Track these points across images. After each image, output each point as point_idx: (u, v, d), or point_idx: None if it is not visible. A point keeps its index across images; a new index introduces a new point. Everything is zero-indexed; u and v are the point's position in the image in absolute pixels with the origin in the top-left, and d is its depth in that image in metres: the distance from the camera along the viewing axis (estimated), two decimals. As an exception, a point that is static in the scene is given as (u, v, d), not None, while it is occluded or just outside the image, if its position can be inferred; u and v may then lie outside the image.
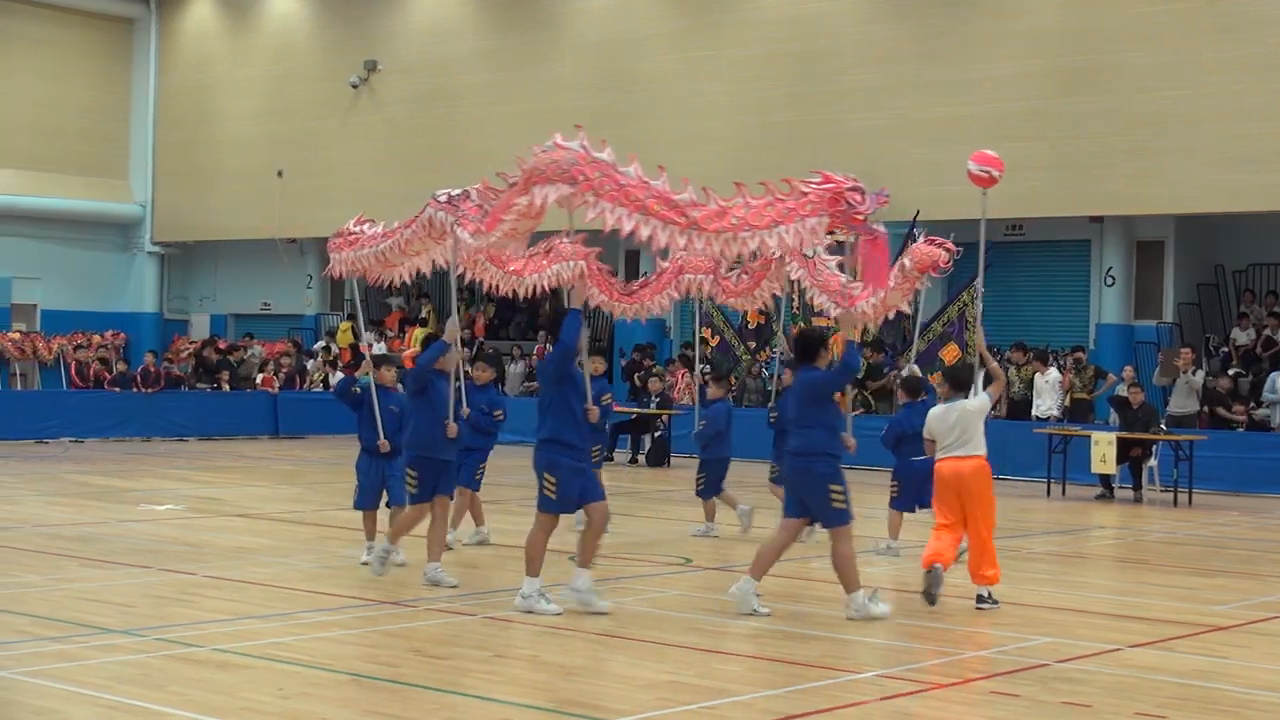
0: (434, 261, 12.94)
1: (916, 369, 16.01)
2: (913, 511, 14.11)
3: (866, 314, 14.92)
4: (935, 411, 11.68)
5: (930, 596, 11.12)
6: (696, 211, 10.41)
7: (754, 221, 10.39)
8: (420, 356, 12.18)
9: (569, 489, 10.81)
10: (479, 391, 13.80)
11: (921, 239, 14.80)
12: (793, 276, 15.80)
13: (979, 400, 11.62)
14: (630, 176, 10.53)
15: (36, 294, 35.27)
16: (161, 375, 29.45)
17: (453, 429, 12.04)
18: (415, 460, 11.99)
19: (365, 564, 12.66)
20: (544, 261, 13.60)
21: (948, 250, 14.40)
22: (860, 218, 10.49)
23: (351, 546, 14.20)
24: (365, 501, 13.07)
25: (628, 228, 10.44)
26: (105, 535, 14.76)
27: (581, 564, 10.92)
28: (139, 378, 29.07)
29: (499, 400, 14.50)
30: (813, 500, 10.83)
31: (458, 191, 11.86)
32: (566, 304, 11.82)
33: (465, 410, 13.14)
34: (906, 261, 14.39)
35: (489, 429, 13.93)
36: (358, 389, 13.02)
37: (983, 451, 11.47)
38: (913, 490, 13.88)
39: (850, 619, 10.72)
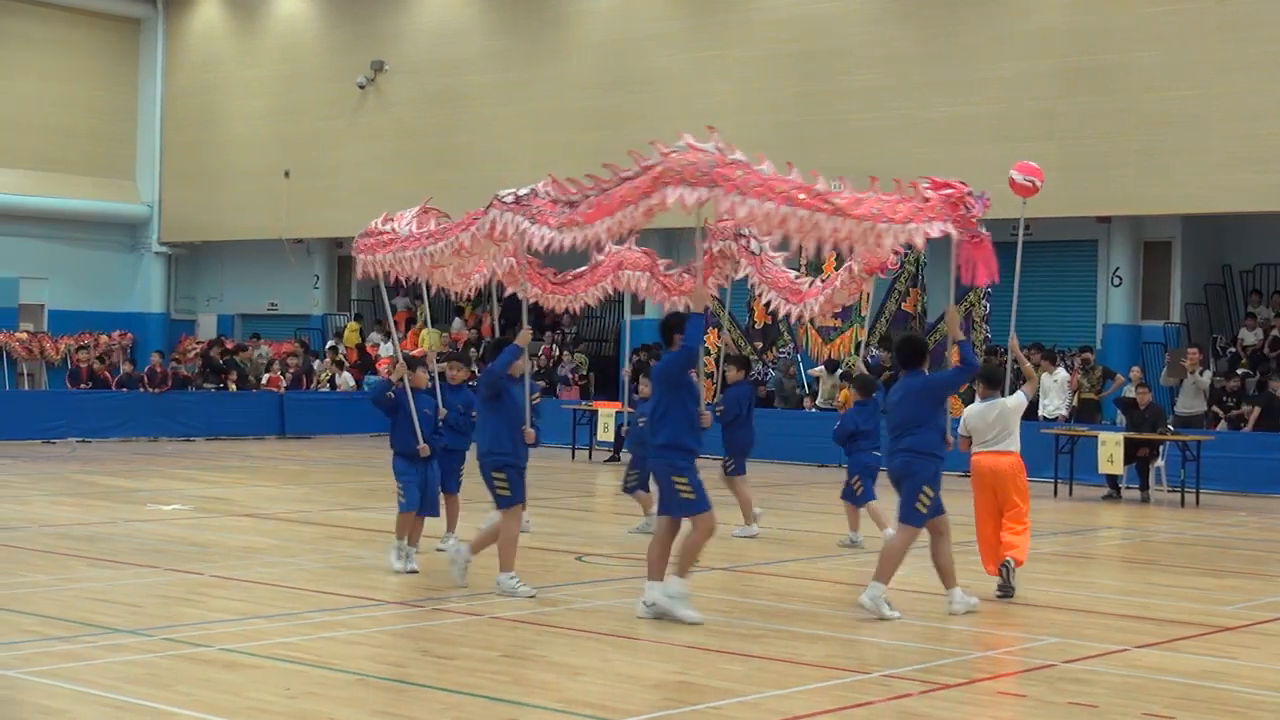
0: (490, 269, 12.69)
1: (864, 368, 16.36)
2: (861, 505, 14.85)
3: (815, 311, 15.35)
4: (975, 409, 12.06)
5: (1008, 590, 11.80)
6: (839, 199, 10.56)
7: (889, 214, 10.65)
8: (495, 362, 11.75)
9: (702, 491, 10.71)
10: (454, 391, 13.58)
11: None
12: (738, 275, 15.86)
13: (1017, 398, 12.01)
14: (767, 172, 10.59)
15: (44, 294, 35.30)
16: (168, 375, 29.48)
17: (530, 434, 11.82)
18: (502, 465, 11.52)
19: (411, 572, 12.39)
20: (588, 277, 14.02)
21: (895, 252, 14.65)
22: (974, 221, 11.04)
23: (359, 546, 14.21)
24: (413, 503, 12.67)
25: (776, 220, 10.49)
26: (112, 535, 14.77)
27: (679, 572, 10.73)
28: (145, 378, 29.10)
29: (474, 400, 14.17)
30: (903, 494, 11.11)
31: (524, 191, 11.58)
32: (689, 308, 11.57)
33: (444, 411, 13.22)
34: (854, 265, 14.58)
35: (467, 429, 13.65)
36: (392, 393, 12.72)
37: (1018, 448, 11.98)
38: (872, 485, 14.62)
39: (953, 613, 11.14)
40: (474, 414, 13.53)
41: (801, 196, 10.45)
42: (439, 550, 13.40)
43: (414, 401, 12.67)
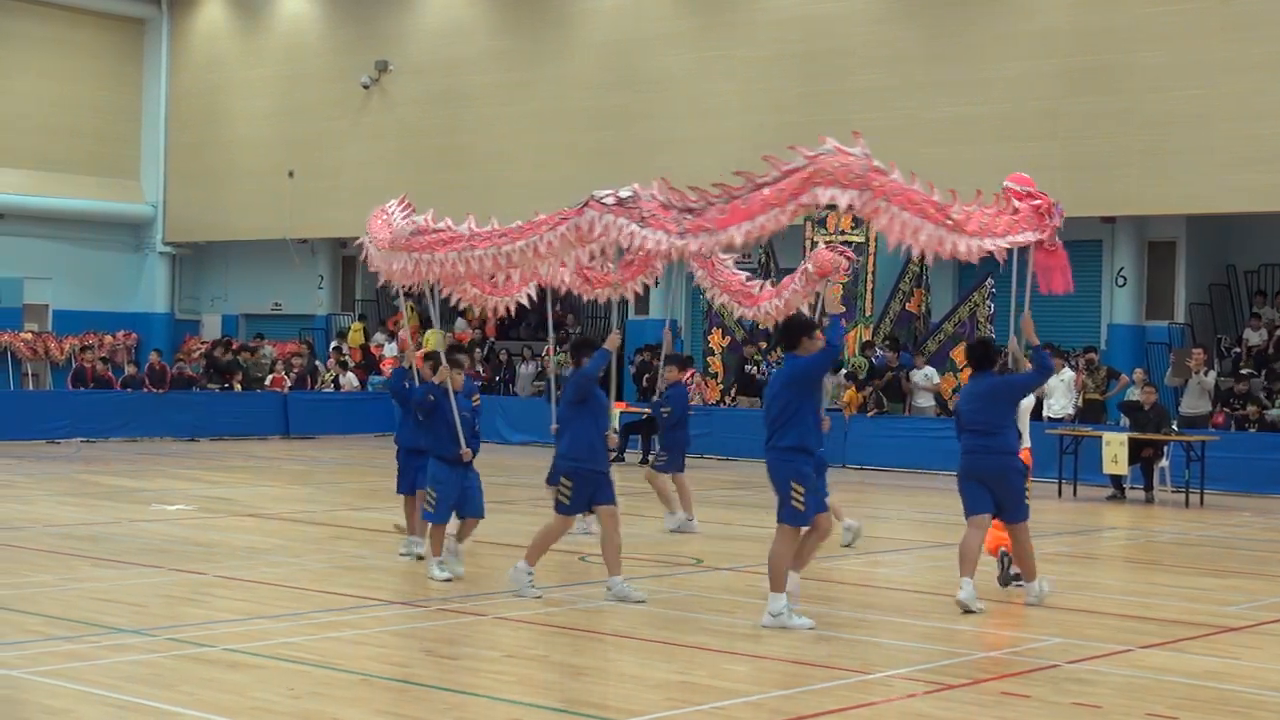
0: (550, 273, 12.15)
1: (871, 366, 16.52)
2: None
3: (770, 314, 15.34)
4: None
5: (1007, 579, 12.19)
6: (956, 214, 10.77)
7: (992, 229, 10.90)
8: (587, 365, 11.64)
9: (812, 499, 10.70)
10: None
11: (822, 244, 15.29)
12: (696, 278, 15.89)
13: (1028, 400, 12.44)
14: (900, 180, 10.74)
15: (48, 294, 35.32)
16: (168, 373, 29.50)
17: (614, 439, 11.76)
18: (572, 471, 11.43)
19: (445, 580, 12.10)
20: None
21: (847, 257, 15.06)
22: (1054, 230, 11.42)
23: (363, 546, 14.21)
24: (441, 515, 12.30)
25: (910, 230, 10.62)
26: (116, 535, 14.78)
27: (794, 567, 10.80)
28: (146, 377, 29.13)
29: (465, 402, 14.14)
30: (1009, 497, 11.40)
31: (626, 193, 11.25)
32: (823, 312, 11.47)
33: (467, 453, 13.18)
34: (809, 266, 14.70)
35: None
36: (432, 395, 12.40)
37: (1029, 445, 12.40)
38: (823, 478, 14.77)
39: (1030, 605, 11.44)
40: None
41: (931, 210, 10.69)
42: (401, 555, 13.37)
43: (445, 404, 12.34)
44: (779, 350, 26.78)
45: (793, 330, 10.96)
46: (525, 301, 14.78)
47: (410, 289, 13.58)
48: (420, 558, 12.97)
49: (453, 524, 12.56)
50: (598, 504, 11.51)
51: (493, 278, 13.70)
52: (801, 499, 10.52)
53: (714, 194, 10.93)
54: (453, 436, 12.28)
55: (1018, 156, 24.82)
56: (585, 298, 15.83)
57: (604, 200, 11.25)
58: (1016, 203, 11.24)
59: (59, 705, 7.89)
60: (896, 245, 10.82)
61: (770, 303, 15.24)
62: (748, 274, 15.94)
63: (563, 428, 11.64)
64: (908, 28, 26.61)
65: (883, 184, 10.56)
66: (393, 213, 13.12)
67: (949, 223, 10.67)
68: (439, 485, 12.27)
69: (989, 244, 10.86)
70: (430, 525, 12.38)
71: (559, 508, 11.51)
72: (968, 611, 11.04)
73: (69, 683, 8.35)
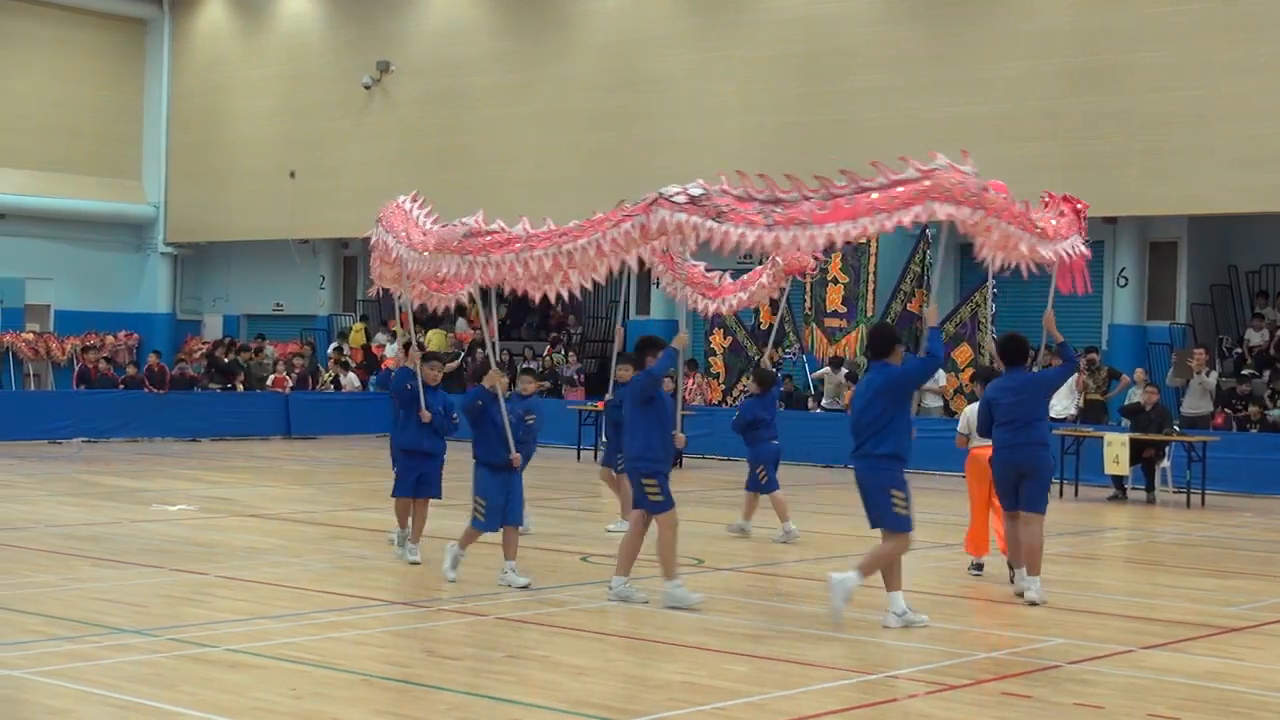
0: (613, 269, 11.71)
1: (768, 363, 16.92)
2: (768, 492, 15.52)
3: (733, 307, 15.83)
4: (975, 408, 12.70)
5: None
6: (1041, 220, 11.33)
7: (1063, 232, 11.51)
8: (655, 365, 11.50)
9: (910, 505, 10.83)
10: (432, 394, 13.32)
11: None
12: (655, 273, 15.88)
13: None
14: (1006, 197, 11.08)
15: (50, 294, 35.34)
16: (167, 374, 29.50)
17: (681, 439, 11.73)
18: (653, 471, 11.24)
19: (523, 586, 11.88)
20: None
21: (816, 259, 15.20)
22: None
23: (363, 546, 14.21)
24: (493, 523, 12.03)
25: (1014, 243, 11.02)
26: (118, 535, 14.78)
27: (869, 573, 10.89)
28: (145, 378, 29.14)
29: (453, 403, 13.77)
30: (1036, 488, 11.72)
31: (697, 190, 11.04)
32: (925, 324, 11.58)
33: (426, 414, 13.04)
34: (779, 261, 14.82)
35: (447, 430, 13.56)
36: (481, 401, 12.14)
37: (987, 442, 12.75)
38: (775, 473, 15.59)
39: (1034, 603, 11.58)
40: (454, 416, 13.43)
41: (1025, 222, 11.12)
42: (403, 555, 13.32)
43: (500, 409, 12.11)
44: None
45: (885, 339, 11.10)
46: (466, 300, 14.38)
47: (397, 294, 13.63)
48: (415, 563, 12.95)
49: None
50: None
51: (443, 279, 13.22)
52: (904, 504, 10.68)
53: (810, 188, 10.88)
54: (502, 441, 11.99)
55: (1019, 157, 24.89)
56: (691, 308, 15.61)
57: (674, 198, 11.03)
58: (1063, 206, 11.75)
59: (60, 705, 7.89)
60: (1002, 262, 11.23)
61: (735, 296, 15.47)
62: (707, 266, 15.95)
63: (630, 429, 11.49)
64: (908, 28, 26.61)
65: (993, 200, 10.82)
66: (414, 214, 12.92)
67: (1037, 231, 11.14)
68: (487, 495, 11.99)
69: (1062, 248, 11.38)
70: (470, 528, 12.12)
71: (655, 507, 11.26)
72: (1036, 603, 11.50)
73: (70, 683, 8.35)
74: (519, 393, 13.22)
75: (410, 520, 13.27)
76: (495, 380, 12.17)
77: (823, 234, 10.72)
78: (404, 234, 12.70)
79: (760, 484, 15.54)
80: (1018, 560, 12.05)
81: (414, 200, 13.14)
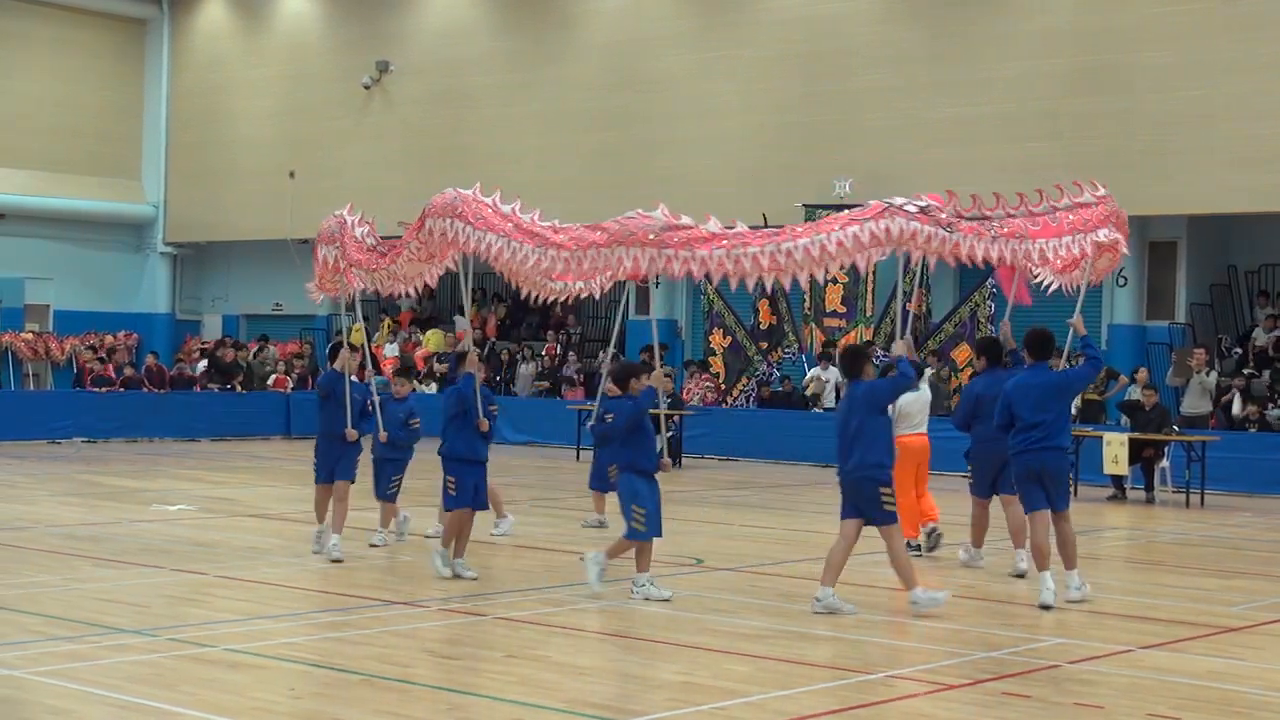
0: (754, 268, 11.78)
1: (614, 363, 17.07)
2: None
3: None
4: (911, 396, 13.62)
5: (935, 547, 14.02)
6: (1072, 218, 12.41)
7: (1080, 227, 12.36)
8: (901, 377, 11.69)
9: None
10: (398, 403, 14.01)
11: None
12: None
13: (926, 392, 14.37)
14: None
15: (49, 294, 35.30)
16: (166, 374, 29.46)
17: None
18: (889, 480, 11.36)
19: (666, 599, 11.50)
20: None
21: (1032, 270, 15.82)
22: None
23: (363, 546, 14.19)
24: (654, 530, 11.66)
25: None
26: (118, 535, 14.78)
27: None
28: (144, 379, 29.12)
29: (416, 410, 14.31)
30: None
31: (924, 202, 11.60)
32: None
33: (384, 435, 13.53)
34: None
35: (410, 441, 14.10)
36: (610, 414, 12.06)
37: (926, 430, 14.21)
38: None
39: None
40: (414, 422, 13.95)
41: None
42: (372, 546, 13.90)
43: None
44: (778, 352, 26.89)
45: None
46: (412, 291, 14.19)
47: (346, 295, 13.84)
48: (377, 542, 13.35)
49: (433, 526, 12.63)
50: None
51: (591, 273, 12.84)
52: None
53: (1012, 205, 12.06)
54: (652, 448, 11.76)
55: (1019, 156, 24.89)
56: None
57: (905, 208, 11.56)
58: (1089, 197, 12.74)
59: (61, 705, 7.89)
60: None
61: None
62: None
63: (869, 437, 11.27)
64: (909, 28, 26.60)
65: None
66: (353, 227, 13.56)
67: (1085, 227, 12.44)
68: (645, 500, 11.58)
69: (1080, 236, 12.51)
70: (634, 542, 11.70)
71: (890, 518, 11.23)
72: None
73: (71, 683, 8.35)
74: (393, 395, 13.96)
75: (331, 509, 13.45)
76: (660, 382, 12.45)
77: (1036, 248, 11.93)
78: (507, 227, 12.41)
79: (609, 482, 14.60)
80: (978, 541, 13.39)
81: (350, 213, 13.65)
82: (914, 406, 13.87)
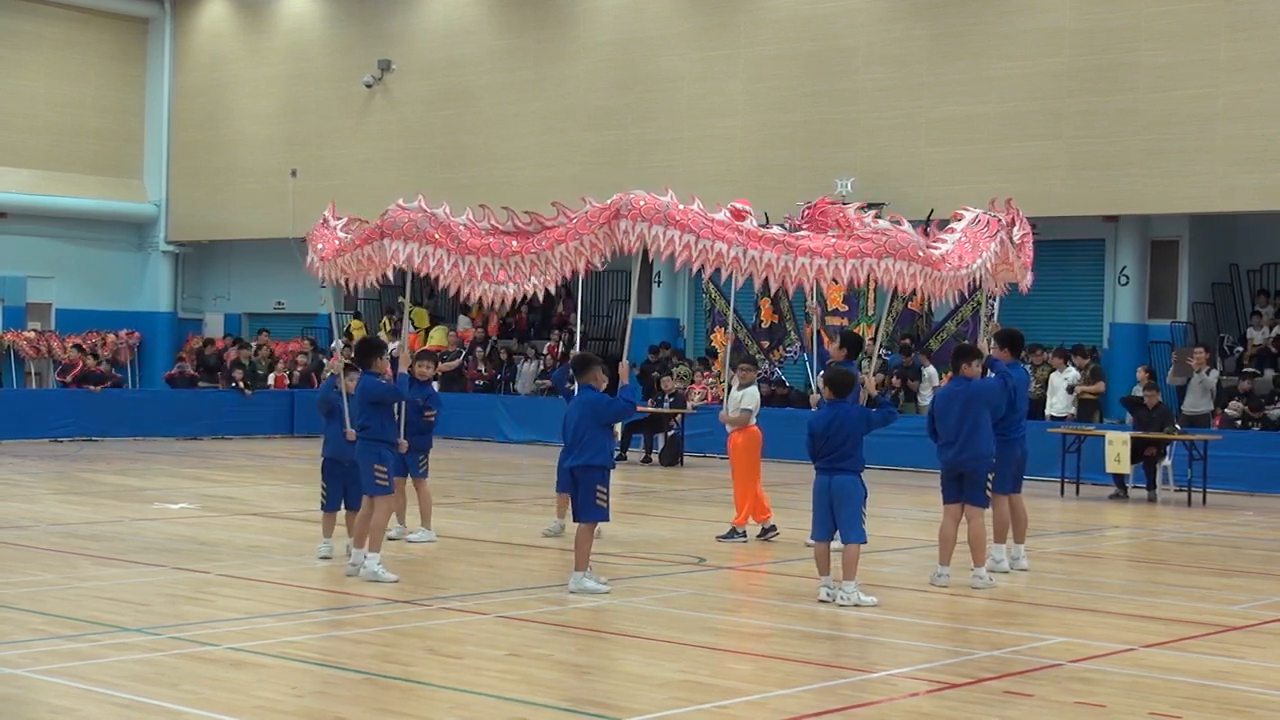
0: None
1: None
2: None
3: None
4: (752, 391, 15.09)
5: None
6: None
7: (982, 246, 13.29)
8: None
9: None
10: (419, 387, 14.01)
11: None
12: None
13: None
14: None
15: (51, 293, 35.33)
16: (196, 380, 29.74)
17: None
18: (993, 467, 12.76)
19: (874, 605, 11.46)
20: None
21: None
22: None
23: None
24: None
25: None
26: (120, 534, 14.79)
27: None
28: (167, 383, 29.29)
29: (437, 396, 14.61)
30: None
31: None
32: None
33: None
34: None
35: (426, 427, 14.13)
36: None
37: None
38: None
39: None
40: (429, 415, 14.04)
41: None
42: (409, 541, 14.09)
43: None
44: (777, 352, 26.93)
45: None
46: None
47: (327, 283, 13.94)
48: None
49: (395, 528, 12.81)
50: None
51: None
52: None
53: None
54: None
55: (1021, 156, 24.91)
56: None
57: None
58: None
59: (63, 704, 7.89)
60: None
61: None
62: None
63: (977, 427, 12.50)
64: (912, 27, 26.60)
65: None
66: (335, 226, 13.98)
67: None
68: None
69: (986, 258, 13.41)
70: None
71: (986, 502, 12.67)
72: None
73: (73, 681, 8.36)
74: (415, 378, 13.94)
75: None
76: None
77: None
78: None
79: None
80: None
81: (333, 211, 13.81)
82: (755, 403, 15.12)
